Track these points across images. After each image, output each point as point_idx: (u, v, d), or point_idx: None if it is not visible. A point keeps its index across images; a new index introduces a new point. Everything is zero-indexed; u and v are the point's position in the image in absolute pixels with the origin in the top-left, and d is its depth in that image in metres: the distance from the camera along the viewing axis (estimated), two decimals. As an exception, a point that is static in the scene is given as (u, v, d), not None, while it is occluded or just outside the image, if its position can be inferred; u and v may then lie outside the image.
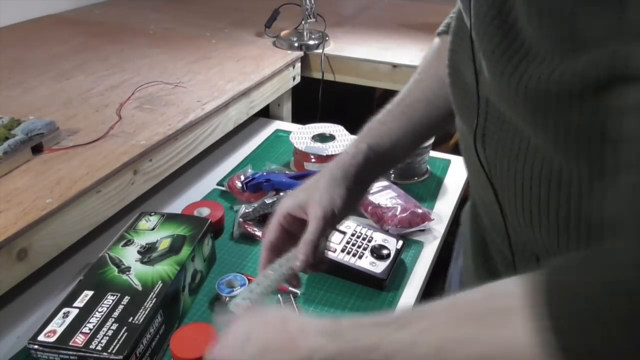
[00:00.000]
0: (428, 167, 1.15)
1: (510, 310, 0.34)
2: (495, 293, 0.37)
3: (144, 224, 0.86)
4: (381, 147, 0.64)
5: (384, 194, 1.01)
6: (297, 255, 0.59)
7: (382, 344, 0.39)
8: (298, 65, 1.41)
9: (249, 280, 0.84)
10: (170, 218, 0.87)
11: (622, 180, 0.34)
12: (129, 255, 0.78)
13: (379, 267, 0.84)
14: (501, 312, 0.35)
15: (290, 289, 0.84)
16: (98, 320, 0.67)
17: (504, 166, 0.48)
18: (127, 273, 0.75)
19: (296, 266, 0.59)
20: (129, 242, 0.81)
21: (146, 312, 0.69)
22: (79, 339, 0.64)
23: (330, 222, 0.59)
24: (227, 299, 0.79)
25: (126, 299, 0.70)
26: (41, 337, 0.65)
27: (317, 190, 0.60)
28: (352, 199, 0.62)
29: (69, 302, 0.70)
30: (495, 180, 0.50)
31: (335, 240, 0.88)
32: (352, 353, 0.41)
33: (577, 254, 0.35)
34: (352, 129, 1.18)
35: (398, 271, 0.88)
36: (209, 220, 0.87)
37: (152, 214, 0.88)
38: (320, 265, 0.62)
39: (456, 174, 1.15)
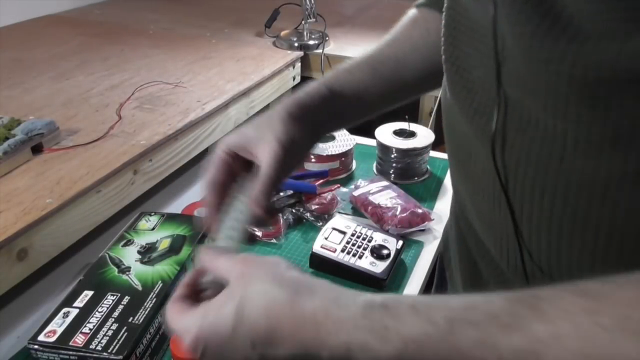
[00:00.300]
0: (428, 167, 1.15)
1: None
2: None
3: (144, 224, 0.86)
4: (343, 95, 0.57)
5: (384, 194, 1.01)
6: (255, 196, 0.50)
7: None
8: (298, 65, 1.41)
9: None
10: (170, 218, 0.87)
11: None
12: (129, 255, 0.78)
13: (379, 267, 0.84)
14: None
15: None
16: (98, 320, 0.67)
17: (528, 176, 0.40)
18: (127, 273, 0.75)
19: (254, 212, 0.50)
20: (129, 242, 0.81)
21: (146, 312, 0.69)
22: (79, 339, 0.64)
23: (284, 166, 0.50)
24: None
25: (126, 299, 0.70)
26: (41, 337, 0.65)
27: (271, 128, 0.51)
28: (306, 144, 0.55)
29: (69, 302, 0.70)
30: (514, 195, 0.42)
31: (335, 240, 0.88)
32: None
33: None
34: (352, 128, 1.18)
35: (398, 271, 0.88)
36: (209, 220, 0.87)
37: (152, 214, 0.88)
38: (270, 217, 0.55)
39: (456, 174, 1.15)
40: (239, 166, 0.53)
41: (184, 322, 0.40)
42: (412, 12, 0.67)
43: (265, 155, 0.50)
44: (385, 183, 1.05)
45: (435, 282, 0.80)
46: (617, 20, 0.31)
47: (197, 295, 0.44)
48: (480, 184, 0.46)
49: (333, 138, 1.14)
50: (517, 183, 0.41)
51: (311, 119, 0.54)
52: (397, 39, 0.64)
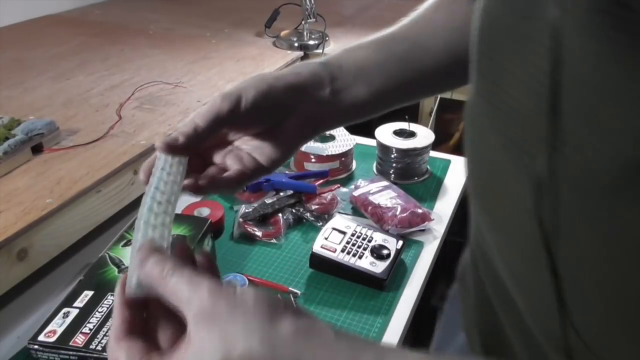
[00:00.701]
0: (428, 167, 1.15)
1: None
2: None
3: (144, 224, 0.85)
4: (341, 70, 0.49)
5: (384, 194, 1.01)
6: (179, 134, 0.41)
7: None
8: (298, 65, 1.41)
9: (249, 280, 0.84)
10: (170, 218, 0.87)
11: None
12: (129, 256, 0.78)
13: (379, 267, 0.84)
14: None
15: (291, 289, 0.84)
16: (98, 321, 0.67)
17: (585, 238, 0.30)
18: (127, 273, 0.75)
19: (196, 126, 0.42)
20: (129, 242, 0.81)
21: (146, 312, 0.69)
22: (79, 339, 0.64)
23: (230, 115, 0.43)
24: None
25: (126, 299, 0.70)
26: (41, 337, 0.65)
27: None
28: (275, 113, 0.46)
29: (69, 302, 0.70)
30: (562, 260, 0.32)
31: (335, 240, 0.88)
32: None
33: None
34: (352, 129, 1.18)
35: (398, 271, 0.88)
36: (209, 220, 0.87)
37: (152, 214, 0.88)
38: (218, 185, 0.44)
39: (456, 174, 1.15)
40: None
41: None
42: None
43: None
44: (385, 183, 1.05)
45: (445, 320, 0.67)
46: None
47: (142, 327, 0.38)
48: (514, 234, 0.36)
49: (333, 138, 1.14)
50: (568, 245, 0.31)
51: (300, 101, 0.46)
52: (415, 22, 0.56)
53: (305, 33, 1.45)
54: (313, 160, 1.11)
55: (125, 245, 0.81)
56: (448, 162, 1.20)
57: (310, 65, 0.49)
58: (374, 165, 1.16)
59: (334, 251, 0.86)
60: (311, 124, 0.49)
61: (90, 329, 0.66)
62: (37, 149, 0.90)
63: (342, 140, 1.14)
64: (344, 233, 0.89)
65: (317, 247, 0.86)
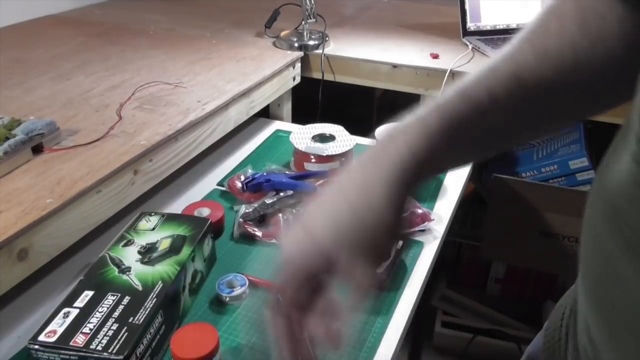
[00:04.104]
0: (428, 167, 1.15)
1: None
2: None
3: (144, 224, 0.86)
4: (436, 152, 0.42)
5: (384, 194, 1.01)
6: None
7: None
8: (298, 65, 1.41)
9: (249, 280, 0.84)
10: (171, 218, 0.87)
11: None
12: (129, 256, 0.78)
13: (379, 267, 0.84)
14: None
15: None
16: (98, 321, 0.67)
17: None
18: (127, 273, 0.75)
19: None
20: (129, 242, 0.81)
21: (146, 312, 0.69)
22: (79, 339, 0.64)
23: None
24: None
25: (126, 299, 0.70)
26: (41, 337, 0.65)
27: (370, 232, 0.40)
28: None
29: (69, 302, 0.70)
30: None
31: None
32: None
33: None
34: (352, 129, 1.18)
35: (398, 271, 0.88)
36: (209, 221, 0.87)
37: (152, 214, 0.88)
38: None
39: (456, 174, 1.15)
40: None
41: None
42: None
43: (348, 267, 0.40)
44: (385, 183, 1.05)
45: None
46: None
47: None
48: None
49: (333, 138, 1.14)
50: None
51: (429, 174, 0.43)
52: (536, 33, 0.44)
53: (305, 33, 1.45)
54: (313, 160, 1.11)
55: (126, 245, 0.81)
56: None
57: (413, 166, 0.41)
58: (374, 165, 1.16)
59: (334, 251, 0.86)
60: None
61: (91, 329, 0.66)
62: (37, 149, 0.90)
63: (342, 140, 1.14)
64: (344, 233, 0.89)
65: (317, 247, 0.86)
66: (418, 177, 0.41)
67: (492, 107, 0.41)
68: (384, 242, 0.41)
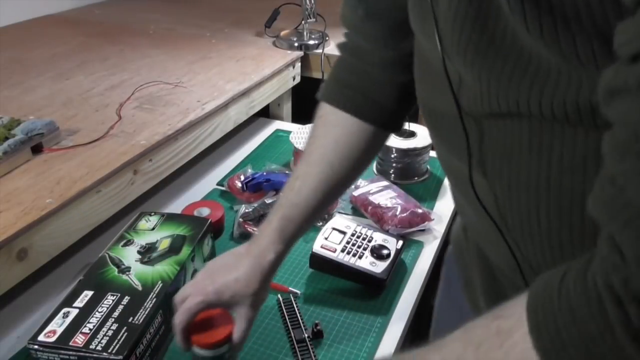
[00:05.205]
0: (428, 167, 1.15)
1: (510, 331, 0.32)
2: (500, 315, 0.34)
3: (144, 224, 0.85)
4: (294, 230, 0.66)
5: (384, 194, 1.01)
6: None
7: None
8: (298, 65, 1.41)
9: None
10: (170, 218, 0.87)
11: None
12: (129, 255, 0.78)
13: (379, 267, 0.84)
14: (502, 334, 0.33)
15: (291, 289, 0.84)
16: (98, 320, 0.67)
17: (514, 199, 0.42)
18: (127, 273, 0.75)
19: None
20: (129, 242, 0.81)
21: (146, 312, 0.69)
22: (79, 339, 0.64)
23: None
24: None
25: (126, 299, 0.70)
26: (41, 337, 0.65)
27: (250, 290, 0.63)
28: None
29: (69, 302, 0.70)
30: (498, 217, 0.45)
31: (335, 240, 0.88)
32: None
33: (558, 270, 0.33)
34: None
35: (398, 271, 0.88)
36: (209, 220, 0.87)
37: (152, 214, 0.88)
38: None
39: (456, 174, 1.15)
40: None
41: None
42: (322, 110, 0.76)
43: (243, 316, 0.63)
44: (385, 183, 1.05)
45: (442, 286, 0.81)
46: (566, 60, 0.33)
47: None
48: (470, 208, 0.50)
49: (333, 138, 1.14)
50: (501, 206, 0.44)
51: (268, 274, 0.65)
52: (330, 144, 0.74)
53: (305, 33, 1.45)
54: (313, 160, 1.10)
55: (125, 245, 0.81)
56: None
57: (278, 252, 0.65)
58: (374, 165, 1.16)
59: (334, 251, 0.86)
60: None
61: (90, 329, 0.66)
62: (37, 149, 0.90)
63: (342, 140, 1.14)
64: (344, 233, 0.89)
65: (317, 247, 0.86)
66: (275, 266, 0.65)
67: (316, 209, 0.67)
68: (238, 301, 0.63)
